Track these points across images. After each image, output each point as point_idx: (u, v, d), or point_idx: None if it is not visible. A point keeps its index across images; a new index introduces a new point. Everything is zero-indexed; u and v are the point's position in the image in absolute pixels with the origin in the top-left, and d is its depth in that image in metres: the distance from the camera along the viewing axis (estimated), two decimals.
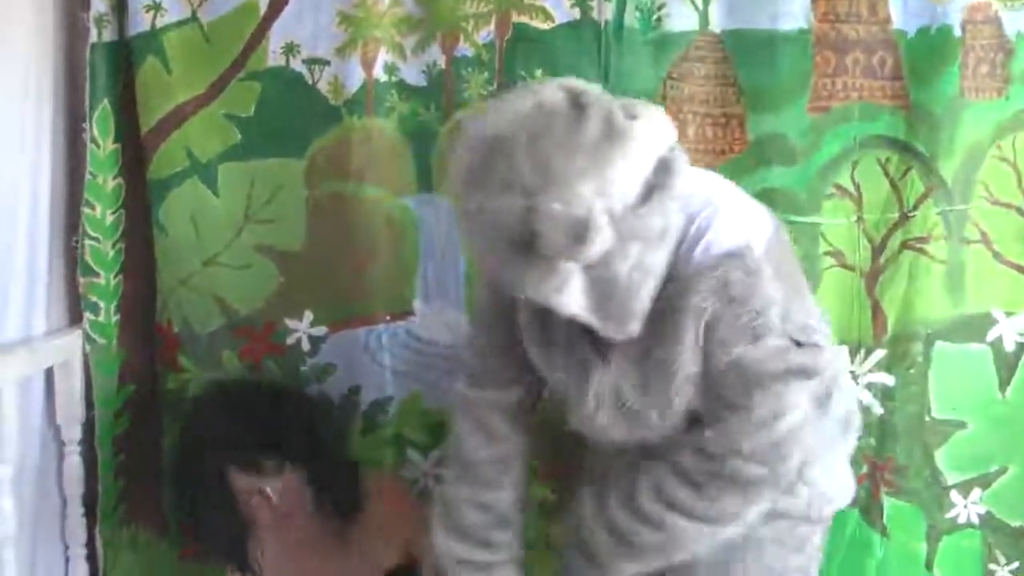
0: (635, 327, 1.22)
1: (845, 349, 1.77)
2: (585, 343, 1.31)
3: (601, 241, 1.11)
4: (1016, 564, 1.84)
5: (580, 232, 1.10)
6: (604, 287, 1.17)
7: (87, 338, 1.88)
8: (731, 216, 1.26)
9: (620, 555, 1.33)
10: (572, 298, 1.16)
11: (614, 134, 1.14)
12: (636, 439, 1.35)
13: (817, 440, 1.32)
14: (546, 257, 1.12)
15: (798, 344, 1.25)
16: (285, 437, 1.65)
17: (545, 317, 1.30)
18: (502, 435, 1.44)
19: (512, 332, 1.38)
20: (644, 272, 1.19)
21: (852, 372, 1.79)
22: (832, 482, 1.43)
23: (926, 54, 1.71)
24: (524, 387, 1.44)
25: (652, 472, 1.31)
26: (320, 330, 1.89)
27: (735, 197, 1.33)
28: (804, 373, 1.26)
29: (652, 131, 1.19)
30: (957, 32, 1.70)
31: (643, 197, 1.16)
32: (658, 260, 1.20)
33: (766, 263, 1.24)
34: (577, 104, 1.16)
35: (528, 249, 1.11)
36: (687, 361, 1.25)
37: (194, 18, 1.82)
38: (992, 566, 1.84)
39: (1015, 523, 1.83)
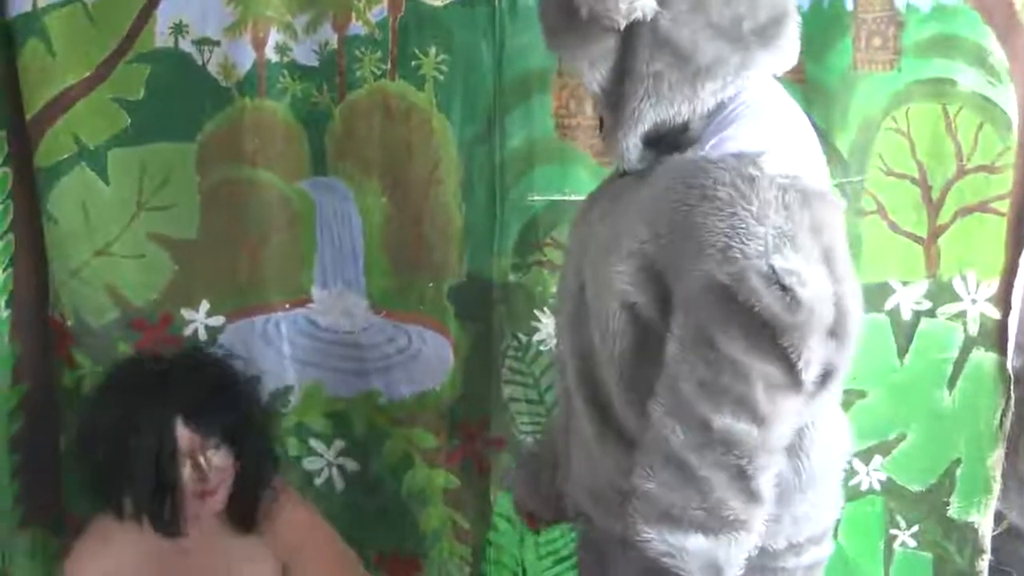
0: (623, 145, 1.18)
1: None
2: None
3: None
4: (916, 527, 1.88)
5: None
6: (620, 81, 1.17)
7: None
8: (765, 122, 1.14)
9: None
10: (598, 75, 1.19)
11: None
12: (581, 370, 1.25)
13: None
14: (585, 21, 1.14)
15: (781, 287, 1.03)
16: (222, 406, 1.52)
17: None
18: None
19: None
20: (657, 90, 1.14)
21: None
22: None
23: (820, 28, 1.71)
24: None
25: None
26: (217, 320, 1.85)
27: (797, 125, 1.20)
28: (770, 324, 1.03)
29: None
30: (849, 6, 1.71)
31: (713, 31, 1.13)
32: (674, 90, 1.14)
33: (776, 189, 1.06)
34: None
35: (573, 15, 1.15)
36: (634, 246, 1.13)
37: None
38: (893, 531, 1.89)
39: (914, 488, 1.87)
